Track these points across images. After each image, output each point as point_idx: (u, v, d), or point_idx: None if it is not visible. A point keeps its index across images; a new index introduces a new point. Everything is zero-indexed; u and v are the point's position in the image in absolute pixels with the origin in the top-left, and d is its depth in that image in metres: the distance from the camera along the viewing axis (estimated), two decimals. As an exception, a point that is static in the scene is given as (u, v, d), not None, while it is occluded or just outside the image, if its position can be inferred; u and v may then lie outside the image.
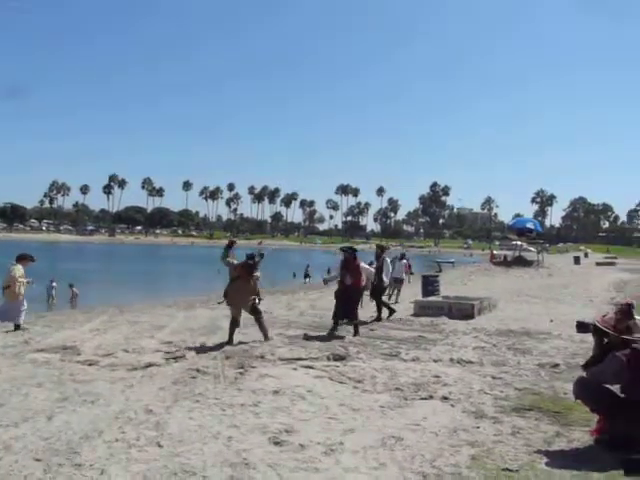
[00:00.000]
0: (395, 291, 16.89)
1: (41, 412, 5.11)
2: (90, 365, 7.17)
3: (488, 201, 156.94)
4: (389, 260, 12.76)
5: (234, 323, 8.80)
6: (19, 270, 10.48)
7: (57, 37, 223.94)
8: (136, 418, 4.96)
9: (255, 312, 8.89)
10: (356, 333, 9.49)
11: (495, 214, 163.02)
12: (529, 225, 44.05)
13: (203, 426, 4.76)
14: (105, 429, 4.66)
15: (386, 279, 12.11)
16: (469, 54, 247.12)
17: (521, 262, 40.83)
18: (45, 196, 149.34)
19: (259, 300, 8.98)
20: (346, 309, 9.32)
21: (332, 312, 9.78)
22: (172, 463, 3.96)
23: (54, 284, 21.90)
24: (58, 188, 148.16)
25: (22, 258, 10.81)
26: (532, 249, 45.81)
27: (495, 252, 53.21)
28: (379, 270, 11.79)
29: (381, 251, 12.42)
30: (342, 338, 9.21)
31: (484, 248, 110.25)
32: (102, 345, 8.61)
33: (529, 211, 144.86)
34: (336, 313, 9.47)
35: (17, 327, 10.26)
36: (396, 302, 15.38)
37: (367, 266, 9.74)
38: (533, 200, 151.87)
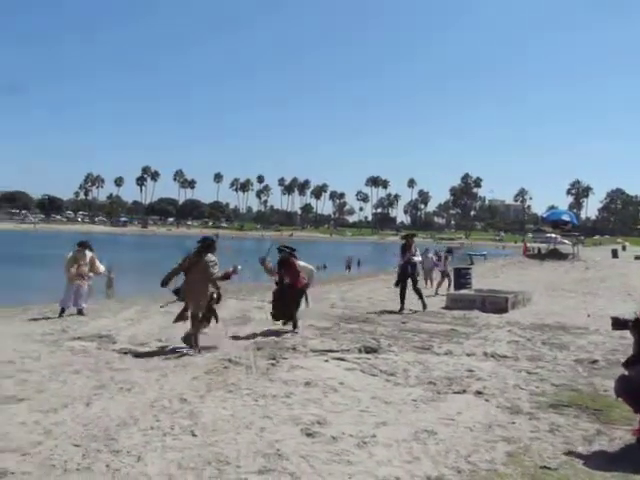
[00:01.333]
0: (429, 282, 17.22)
1: (79, 399, 5.23)
2: (125, 354, 7.31)
3: (521, 193, 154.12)
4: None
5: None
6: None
7: (90, 26, 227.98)
8: (170, 407, 5.03)
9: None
10: (295, 327, 9.03)
11: (528, 206, 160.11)
12: (564, 217, 43.11)
13: (236, 416, 4.80)
14: (141, 417, 4.74)
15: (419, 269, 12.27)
16: (500, 47, 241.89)
17: (556, 255, 40.00)
18: (80, 188, 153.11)
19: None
20: (284, 308, 8.96)
21: (270, 312, 9.28)
22: (206, 452, 4.00)
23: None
24: (93, 180, 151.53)
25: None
26: (567, 242, 44.81)
27: (528, 244, 52.20)
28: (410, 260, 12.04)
29: (409, 241, 12.49)
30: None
31: (517, 240, 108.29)
32: (136, 334, 8.77)
33: (564, 203, 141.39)
34: (274, 314, 9.05)
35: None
36: (436, 294, 15.50)
37: (305, 264, 9.34)
38: (568, 192, 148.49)
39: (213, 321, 8.14)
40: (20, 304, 13.68)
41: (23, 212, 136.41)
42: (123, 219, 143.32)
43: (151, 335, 8.68)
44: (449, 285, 16.71)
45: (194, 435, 4.35)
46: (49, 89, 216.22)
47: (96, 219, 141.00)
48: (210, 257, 7.72)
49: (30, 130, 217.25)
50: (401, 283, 12.15)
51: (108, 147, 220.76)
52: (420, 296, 12.10)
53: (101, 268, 11.86)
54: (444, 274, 17.30)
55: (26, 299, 15.30)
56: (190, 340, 7.55)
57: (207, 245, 7.87)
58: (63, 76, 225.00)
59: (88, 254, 11.44)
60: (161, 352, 7.41)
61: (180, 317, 7.94)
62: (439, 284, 16.85)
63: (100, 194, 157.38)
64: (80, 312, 10.91)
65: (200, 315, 7.68)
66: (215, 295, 7.87)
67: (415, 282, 12.16)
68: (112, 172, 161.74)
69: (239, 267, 8.16)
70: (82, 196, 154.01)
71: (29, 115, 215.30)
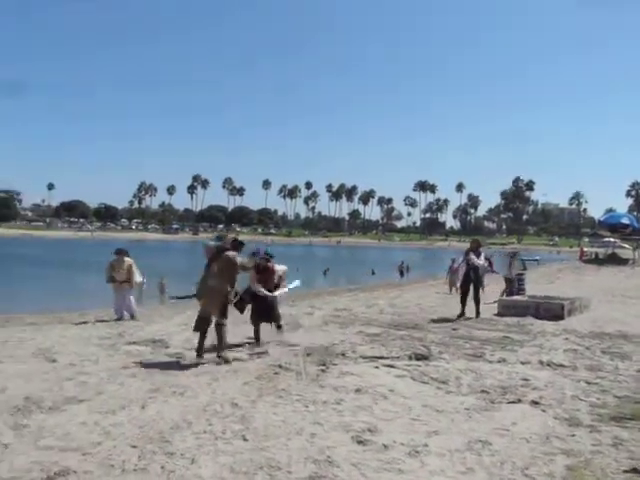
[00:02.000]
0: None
1: (135, 401, 5.38)
2: (178, 358, 7.47)
3: (577, 196, 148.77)
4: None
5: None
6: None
7: (146, 36, 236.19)
8: (222, 411, 5.10)
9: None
10: (279, 328, 8.80)
11: (584, 209, 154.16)
12: (624, 220, 41.38)
13: (287, 422, 4.81)
14: (194, 420, 4.82)
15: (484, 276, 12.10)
16: (560, 52, 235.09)
17: (615, 260, 38.41)
18: (134, 197, 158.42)
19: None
20: (268, 313, 8.73)
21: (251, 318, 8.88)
22: (257, 457, 4.03)
23: (144, 280, 23.08)
24: (146, 189, 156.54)
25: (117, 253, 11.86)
26: (627, 246, 42.93)
27: (585, 249, 50.30)
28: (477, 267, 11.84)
29: (477, 246, 12.25)
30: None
31: (572, 245, 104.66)
32: (189, 339, 8.93)
33: (623, 206, 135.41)
34: (254, 318, 8.74)
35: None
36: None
37: (281, 266, 9.14)
38: (628, 193, 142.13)
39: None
40: (78, 309, 14.27)
41: (81, 220, 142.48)
42: (175, 226, 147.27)
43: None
44: (504, 292, 16.09)
45: (245, 440, 4.39)
46: (109, 100, 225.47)
47: (149, 226, 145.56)
48: (231, 253, 7.46)
49: (89, 140, 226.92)
50: (462, 288, 11.99)
51: (160, 156, 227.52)
52: (477, 303, 11.78)
53: (137, 277, 11.96)
54: (509, 281, 16.51)
55: (84, 304, 15.94)
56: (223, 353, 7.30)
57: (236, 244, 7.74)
58: (120, 87, 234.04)
59: (127, 261, 11.71)
60: (212, 357, 7.52)
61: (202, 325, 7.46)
62: (504, 291, 16.17)
63: (153, 202, 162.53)
64: (132, 317, 11.30)
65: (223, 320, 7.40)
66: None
67: (477, 288, 11.85)
68: (164, 181, 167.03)
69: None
70: (136, 204, 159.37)
71: (92, 125, 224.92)
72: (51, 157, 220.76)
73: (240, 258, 7.68)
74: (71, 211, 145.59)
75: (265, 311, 8.68)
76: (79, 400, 5.42)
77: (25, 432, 4.53)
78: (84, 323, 11.01)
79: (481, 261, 11.96)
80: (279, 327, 8.85)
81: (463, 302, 11.81)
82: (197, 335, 7.44)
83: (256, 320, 8.68)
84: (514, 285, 16.11)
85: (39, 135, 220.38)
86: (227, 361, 7.15)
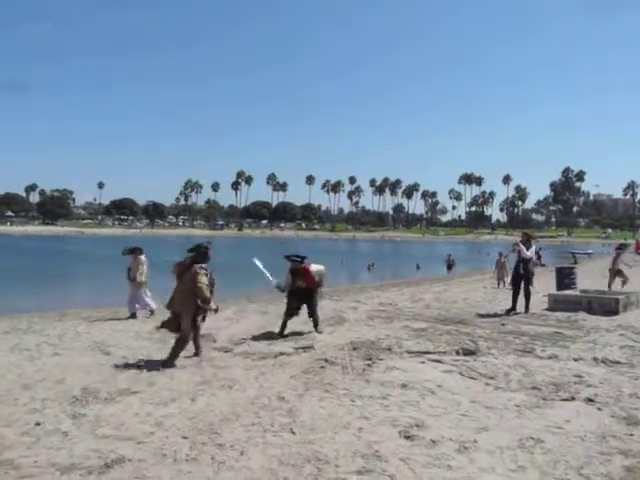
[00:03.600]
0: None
1: (185, 393, 5.52)
2: (226, 352, 7.61)
3: (631, 186, 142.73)
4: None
5: None
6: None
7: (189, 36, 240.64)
8: (270, 404, 5.17)
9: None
10: (316, 326, 9.15)
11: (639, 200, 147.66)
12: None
13: (333, 415, 4.83)
14: (242, 413, 4.91)
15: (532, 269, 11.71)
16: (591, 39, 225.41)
17: (673, 252, 36.55)
18: (181, 194, 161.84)
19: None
20: (308, 308, 9.16)
21: (285, 311, 9.28)
22: (305, 450, 4.06)
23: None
24: (192, 186, 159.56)
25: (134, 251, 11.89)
26: (687, 238, 40.79)
27: (641, 241, 48.12)
28: (529, 260, 11.54)
29: (528, 239, 11.86)
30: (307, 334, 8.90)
31: (627, 237, 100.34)
32: (236, 333, 9.10)
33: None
34: (288, 312, 9.14)
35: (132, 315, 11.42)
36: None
37: (317, 266, 9.47)
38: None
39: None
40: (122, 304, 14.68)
41: (130, 218, 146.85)
42: (220, 222, 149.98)
43: (249, 334, 8.97)
44: (623, 284, 15.71)
45: (293, 433, 4.43)
46: (148, 98, 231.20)
47: (195, 223, 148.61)
48: (197, 267, 6.96)
49: (136, 139, 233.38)
50: (514, 282, 11.67)
51: (205, 154, 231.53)
52: (527, 298, 11.43)
53: (139, 277, 11.61)
54: (616, 272, 16.17)
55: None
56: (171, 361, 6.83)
57: (200, 253, 7.14)
58: (160, 86, 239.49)
59: (142, 259, 11.80)
60: (259, 351, 7.62)
61: (170, 325, 7.26)
62: (611, 282, 15.91)
63: (199, 199, 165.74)
64: (152, 313, 11.49)
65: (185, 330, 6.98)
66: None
67: (527, 282, 11.48)
68: (209, 177, 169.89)
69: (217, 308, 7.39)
70: (182, 201, 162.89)
71: (137, 124, 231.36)
72: (101, 156, 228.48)
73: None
74: (121, 209, 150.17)
75: (309, 308, 9.09)
76: (132, 392, 5.60)
77: (83, 421, 4.72)
78: (132, 318, 11.32)
79: (529, 253, 11.55)
80: (316, 327, 9.13)
81: (515, 297, 11.46)
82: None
83: (288, 314, 9.07)
84: (625, 276, 15.95)
85: (90, 136, 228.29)
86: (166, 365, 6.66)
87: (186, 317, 6.95)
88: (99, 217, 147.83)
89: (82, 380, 6.03)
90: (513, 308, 11.35)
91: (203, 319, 7.49)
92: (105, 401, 5.29)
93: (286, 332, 8.81)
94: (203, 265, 7.03)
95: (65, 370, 6.53)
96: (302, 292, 9.13)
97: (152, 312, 11.53)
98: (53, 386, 5.83)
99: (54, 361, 7.13)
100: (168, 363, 6.76)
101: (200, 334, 7.44)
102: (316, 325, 9.22)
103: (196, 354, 7.26)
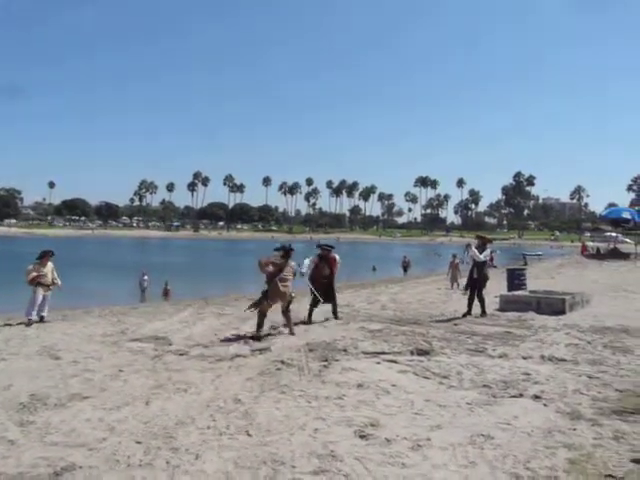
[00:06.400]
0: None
1: (139, 398, 5.42)
2: (181, 355, 7.51)
3: (578, 190, 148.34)
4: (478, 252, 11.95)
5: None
6: (32, 267, 11.01)
7: (147, 34, 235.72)
8: (225, 407, 5.14)
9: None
10: (335, 313, 10.74)
11: (586, 204, 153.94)
12: (625, 215, 41.13)
13: (290, 417, 4.85)
14: (197, 416, 4.86)
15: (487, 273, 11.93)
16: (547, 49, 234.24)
17: (617, 254, 38.33)
18: (135, 194, 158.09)
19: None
20: (328, 294, 10.64)
21: (310, 302, 10.66)
22: (261, 452, 4.06)
23: (145, 277, 23.12)
24: (147, 187, 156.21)
25: (42, 256, 11.24)
26: (629, 241, 42.93)
27: (587, 244, 50.24)
28: (484, 263, 11.74)
29: (483, 243, 11.92)
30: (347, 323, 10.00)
31: (573, 240, 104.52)
32: (191, 336, 8.99)
33: (625, 200, 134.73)
34: (314, 303, 10.55)
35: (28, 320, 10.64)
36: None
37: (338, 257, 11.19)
38: (629, 188, 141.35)
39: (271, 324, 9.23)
40: (82, 306, 14.29)
41: (82, 219, 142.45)
42: (176, 224, 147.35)
43: (205, 336, 8.88)
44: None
45: (249, 435, 4.42)
46: (107, 97, 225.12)
47: (150, 224, 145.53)
48: (291, 262, 9.15)
49: (88, 138, 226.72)
50: (469, 286, 11.69)
51: (161, 154, 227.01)
52: (482, 301, 11.47)
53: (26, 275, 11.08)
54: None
55: (87, 302, 15.97)
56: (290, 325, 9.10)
57: (287, 252, 9.15)
58: (119, 83, 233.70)
59: (49, 264, 11.23)
60: (215, 354, 7.56)
61: (257, 305, 9.03)
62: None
63: (153, 200, 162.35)
64: (42, 319, 10.82)
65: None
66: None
67: (480, 287, 11.51)
68: (165, 178, 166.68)
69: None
70: (137, 202, 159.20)
71: (90, 123, 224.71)
72: (52, 155, 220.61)
73: None
74: (72, 209, 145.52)
75: (331, 296, 10.63)
76: (83, 397, 5.47)
77: (31, 428, 4.57)
78: (89, 321, 11.00)
79: (482, 257, 11.60)
80: (335, 313, 10.70)
81: (470, 301, 11.49)
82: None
83: (315, 304, 10.45)
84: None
85: (40, 133, 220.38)
86: None
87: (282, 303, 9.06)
88: (49, 217, 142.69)
89: (30, 386, 5.84)
90: (469, 312, 11.35)
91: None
92: (55, 407, 5.14)
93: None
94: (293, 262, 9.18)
95: (12, 376, 6.29)
96: (326, 281, 10.59)
97: (42, 319, 10.81)
98: (-1, 393, 5.61)
99: (0, 367, 6.86)
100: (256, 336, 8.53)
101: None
102: (335, 312, 10.72)
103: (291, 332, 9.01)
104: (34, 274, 10.87)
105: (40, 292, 10.85)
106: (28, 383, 5.96)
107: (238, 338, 8.66)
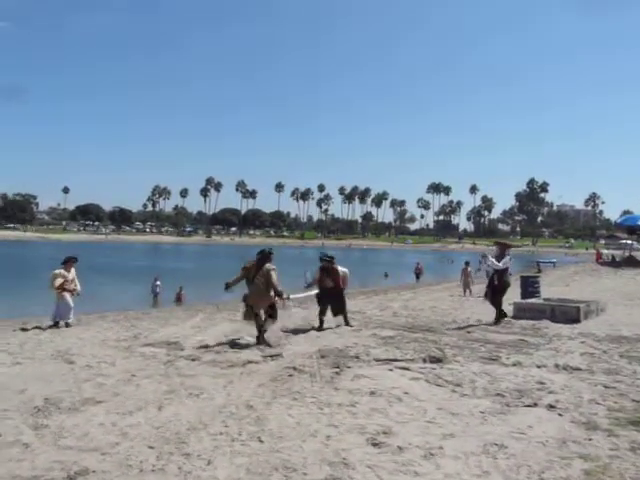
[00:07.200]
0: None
1: (152, 403, 5.44)
2: (193, 360, 7.52)
3: (592, 197, 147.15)
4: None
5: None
6: (58, 272, 11.17)
7: (148, 42, 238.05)
8: (237, 413, 5.14)
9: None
10: (347, 323, 10.48)
11: (600, 211, 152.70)
12: (641, 222, 40.64)
13: (302, 424, 4.83)
14: (209, 422, 4.86)
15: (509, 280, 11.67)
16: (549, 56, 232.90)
17: (632, 262, 37.83)
18: (148, 200, 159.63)
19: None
20: (336, 306, 10.39)
21: (318, 311, 10.52)
22: (273, 458, 4.06)
23: (158, 282, 23.25)
24: (160, 192, 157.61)
25: (66, 261, 11.43)
26: (644, 248, 42.29)
27: (602, 251, 49.68)
28: (504, 270, 11.40)
29: (503, 249, 11.73)
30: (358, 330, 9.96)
31: (588, 247, 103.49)
32: (203, 341, 9.01)
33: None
34: (322, 311, 10.37)
35: (56, 324, 10.91)
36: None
37: (343, 269, 10.71)
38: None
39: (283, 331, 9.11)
40: (96, 311, 14.41)
41: (96, 224, 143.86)
42: (188, 229, 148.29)
43: (217, 342, 8.90)
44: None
45: (261, 441, 4.42)
46: (120, 103, 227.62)
47: (163, 229, 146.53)
48: (270, 265, 8.73)
49: (103, 143, 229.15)
50: (491, 297, 11.45)
51: (174, 160, 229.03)
52: (499, 308, 11.30)
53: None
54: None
55: (101, 307, 16.10)
56: (263, 338, 8.62)
57: (265, 256, 8.90)
58: (127, 89, 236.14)
59: (72, 270, 11.42)
60: (227, 359, 7.57)
61: (248, 316, 8.91)
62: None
63: (167, 205, 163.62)
64: (67, 325, 10.98)
65: (264, 314, 8.79)
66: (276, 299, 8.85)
67: (495, 292, 11.32)
68: (178, 184, 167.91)
69: (291, 298, 9.67)
70: (150, 207, 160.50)
71: (106, 128, 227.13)
72: (66, 161, 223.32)
73: None
74: (86, 214, 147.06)
75: (338, 308, 10.34)
76: (97, 401, 5.50)
77: (45, 432, 4.61)
78: (103, 326, 11.09)
79: (502, 264, 11.31)
80: (347, 322, 10.44)
81: (497, 306, 11.27)
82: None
83: (322, 313, 10.30)
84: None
85: (54, 139, 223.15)
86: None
87: (262, 305, 8.72)
88: (63, 222, 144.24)
89: (44, 390, 5.89)
90: (503, 315, 11.24)
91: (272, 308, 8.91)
92: (68, 411, 5.18)
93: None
94: (272, 265, 8.74)
95: (26, 380, 6.36)
96: (331, 292, 10.25)
97: (68, 324, 11.00)
98: (13, 396, 5.66)
99: (15, 370, 6.94)
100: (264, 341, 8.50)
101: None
102: (346, 320, 10.50)
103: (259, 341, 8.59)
104: (60, 280, 11.03)
105: (67, 298, 11.00)
106: (42, 387, 6.02)
107: (249, 344, 8.67)
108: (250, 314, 8.82)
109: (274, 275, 8.63)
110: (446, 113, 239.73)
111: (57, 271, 11.17)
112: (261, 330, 8.71)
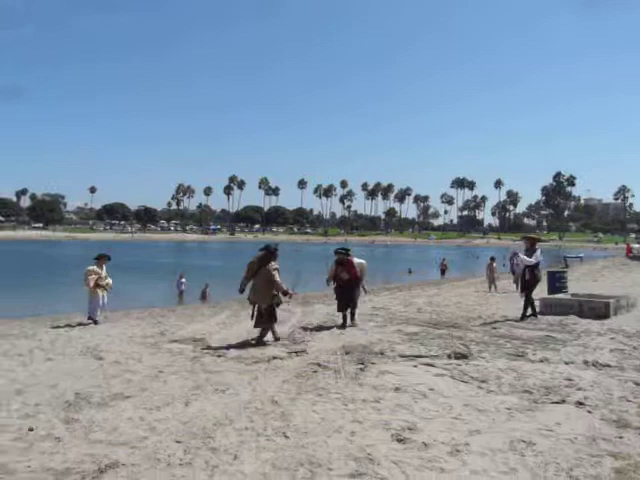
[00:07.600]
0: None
1: (178, 398, 5.52)
2: (219, 357, 7.61)
3: (622, 190, 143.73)
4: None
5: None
6: (92, 268, 11.42)
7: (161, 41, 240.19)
8: (263, 408, 5.18)
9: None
10: (353, 318, 10.33)
11: (630, 204, 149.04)
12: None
13: (326, 419, 4.85)
14: (235, 417, 4.92)
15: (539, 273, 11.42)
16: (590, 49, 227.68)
17: (663, 256, 36.90)
18: (172, 198, 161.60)
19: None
20: (348, 299, 10.31)
21: (337, 306, 10.51)
22: (298, 454, 4.08)
23: (183, 280, 23.48)
24: (184, 190, 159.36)
25: (99, 258, 11.70)
26: (676, 242, 41.18)
27: (633, 245, 48.55)
28: (536, 265, 11.18)
29: (532, 244, 11.53)
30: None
31: (617, 241, 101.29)
32: (228, 338, 9.11)
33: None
34: (341, 306, 10.33)
35: (92, 320, 11.19)
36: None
37: (359, 260, 10.71)
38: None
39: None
40: (123, 308, 14.66)
41: (122, 223, 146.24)
42: (212, 227, 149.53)
43: (242, 338, 8.97)
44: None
45: (286, 437, 4.44)
46: (140, 102, 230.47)
47: (187, 227, 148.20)
48: (273, 265, 8.61)
49: (128, 143, 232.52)
50: (524, 291, 11.28)
51: (198, 158, 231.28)
52: (525, 304, 11.18)
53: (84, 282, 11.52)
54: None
55: (128, 304, 16.37)
56: (264, 337, 8.58)
57: (270, 252, 8.74)
58: (152, 90, 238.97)
59: (104, 267, 11.66)
60: (252, 355, 7.64)
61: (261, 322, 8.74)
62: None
63: (191, 204, 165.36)
64: (96, 322, 11.19)
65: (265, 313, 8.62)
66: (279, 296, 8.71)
67: (525, 288, 11.17)
68: (202, 182, 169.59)
69: (295, 291, 9.27)
70: (174, 206, 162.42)
71: (127, 129, 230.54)
72: (94, 160, 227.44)
73: None
74: (112, 213, 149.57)
75: (348, 299, 10.22)
76: (125, 396, 5.60)
77: (76, 426, 4.72)
78: (130, 322, 11.27)
79: (533, 259, 11.11)
80: (353, 318, 10.29)
81: (528, 303, 11.18)
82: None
83: (341, 308, 10.24)
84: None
85: (82, 139, 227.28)
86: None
87: (265, 302, 8.54)
88: (90, 222, 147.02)
89: (75, 385, 6.03)
90: (534, 314, 11.14)
91: (277, 305, 8.83)
92: (98, 406, 5.29)
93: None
94: (274, 264, 8.59)
95: (58, 375, 6.52)
96: (346, 284, 10.19)
97: (94, 320, 11.22)
98: (46, 391, 5.82)
99: (47, 366, 7.11)
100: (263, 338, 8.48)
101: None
102: (353, 317, 10.32)
103: (259, 341, 8.52)
104: (94, 277, 11.30)
105: (101, 294, 11.27)
106: (73, 382, 6.16)
107: (275, 340, 8.72)
108: (258, 318, 8.69)
109: (277, 275, 8.52)
110: (469, 107, 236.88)
111: (91, 267, 11.44)
112: (262, 331, 8.65)
